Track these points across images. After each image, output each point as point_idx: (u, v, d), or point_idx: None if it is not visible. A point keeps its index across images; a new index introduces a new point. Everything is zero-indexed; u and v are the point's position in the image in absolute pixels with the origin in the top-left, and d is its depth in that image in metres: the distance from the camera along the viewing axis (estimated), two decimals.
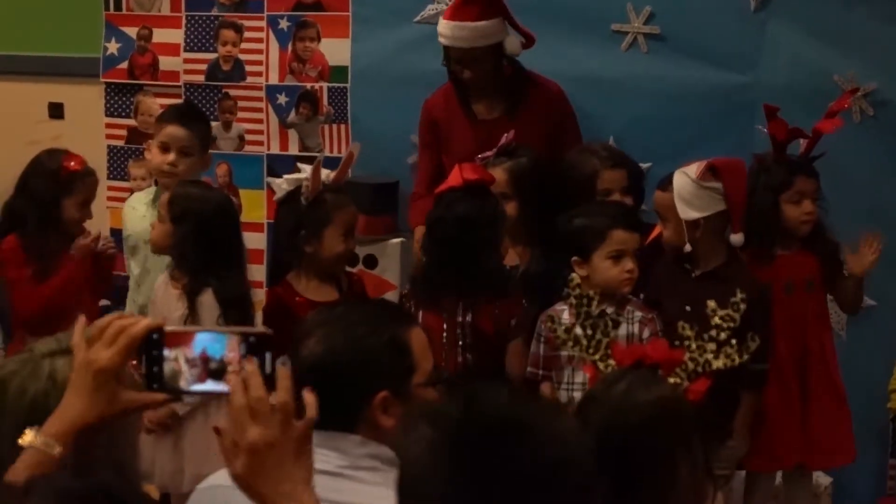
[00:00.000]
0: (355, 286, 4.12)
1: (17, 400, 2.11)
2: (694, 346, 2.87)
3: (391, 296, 4.67)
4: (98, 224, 4.77)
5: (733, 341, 2.91)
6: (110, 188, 5.61)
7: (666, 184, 3.98)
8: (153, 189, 4.69)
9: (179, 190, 4.11)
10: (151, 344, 2.01)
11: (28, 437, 1.99)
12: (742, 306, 2.92)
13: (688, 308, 3.79)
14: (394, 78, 5.00)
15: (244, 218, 5.16)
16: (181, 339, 2.02)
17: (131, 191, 5.48)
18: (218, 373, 2.00)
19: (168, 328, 2.03)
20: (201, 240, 3.95)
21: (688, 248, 3.95)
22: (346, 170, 4.11)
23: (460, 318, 3.96)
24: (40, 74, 5.82)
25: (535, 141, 4.40)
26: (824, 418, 4.12)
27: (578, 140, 4.57)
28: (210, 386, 2.01)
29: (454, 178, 4.01)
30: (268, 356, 1.99)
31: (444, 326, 3.98)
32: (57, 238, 4.43)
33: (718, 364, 2.91)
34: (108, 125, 5.69)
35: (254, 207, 5.25)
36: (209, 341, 2.02)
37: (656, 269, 4.06)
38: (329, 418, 2.21)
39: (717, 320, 2.87)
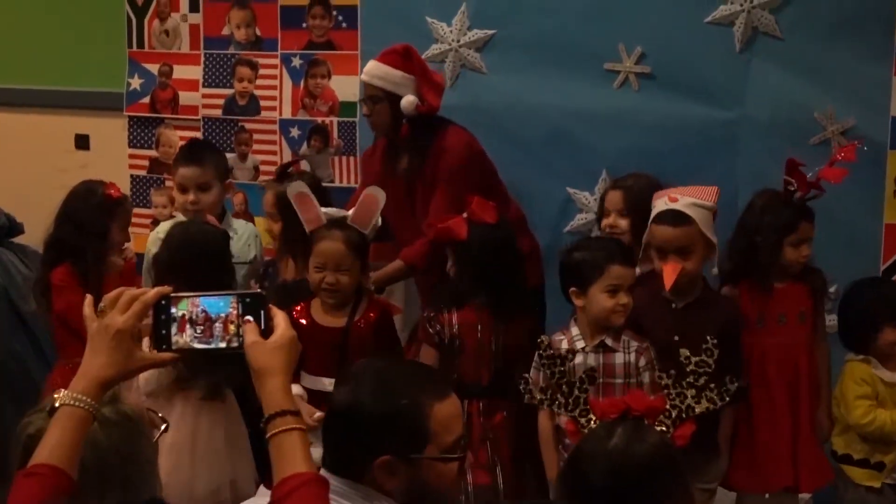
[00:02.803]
0: (368, 315, 4.21)
1: None
2: (673, 392, 3.02)
3: (398, 319, 4.85)
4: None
5: (712, 385, 3.07)
6: (134, 214, 5.71)
7: (677, 220, 3.99)
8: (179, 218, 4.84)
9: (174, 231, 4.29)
10: (160, 309, 2.25)
11: (59, 396, 2.17)
12: (715, 351, 3.06)
13: (676, 338, 3.94)
14: None
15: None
16: (188, 304, 2.26)
17: (153, 217, 5.70)
18: (219, 333, 2.24)
19: (175, 294, 2.26)
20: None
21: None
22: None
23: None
24: (68, 107, 6.02)
25: (431, 194, 4.56)
26: (814, 443, 4.23)
27: (485, 191, 4.52)
28: (213, 344, 2.26)
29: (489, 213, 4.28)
30: (262, 313, 2.25)
31: (479, 327, 4.21)
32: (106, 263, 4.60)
33: (701, 408, 3.06)
34: (132, 156, 5.88)
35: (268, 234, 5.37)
36: (212, 304, 2.26)
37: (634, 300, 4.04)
38: (341, 464, 2.41)
39: (692, 367, 3.01)
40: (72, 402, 2.16)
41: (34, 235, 5.64)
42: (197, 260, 4.12)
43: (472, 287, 4.23)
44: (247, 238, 4.93)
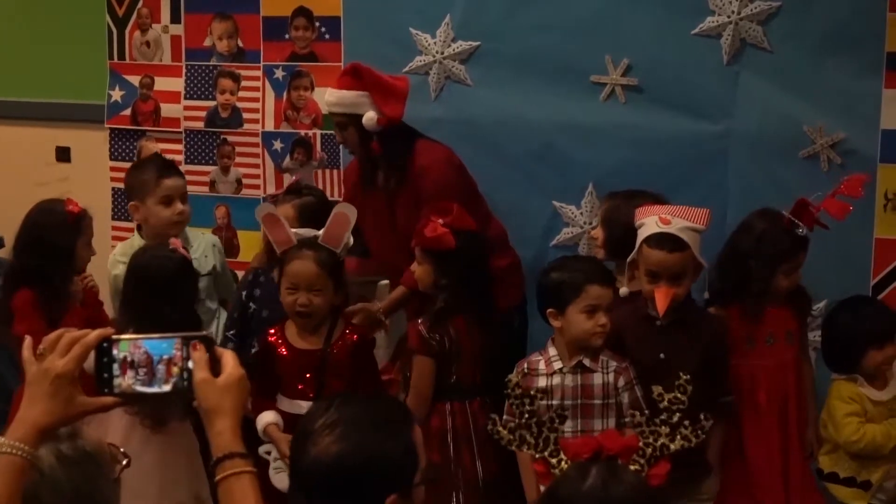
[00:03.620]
0: (345, 339, 4.18)
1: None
2: (647, 430, 2.96)
3: (380, 337, 4.81)
4: (103, 262, 4.84)
5: (686, 422, 3.01)
6: (115, 227, 5.75)
7: (673, 246, 3.92)
8: (136, 238, 4.79)
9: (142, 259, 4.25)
10: (102, 352, 2.17)
11: None
12: (688, 388, 2.99)
13: (662, 356, 3.94)
14: None
15: (241, 258, 5.37)
16: (130, 346, 2.18)
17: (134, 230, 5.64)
18: (162, 375, 2.16)
19: (117, 336, 2.18)
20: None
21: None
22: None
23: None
24: (48, 119, 5.96)
25: (415, 212, 4.48)
26: (804, 464, 4.21)
27: (467, 205, 4.45)
28: (155, 387, 2.18)
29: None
30: (206, 355, 2.18)
31: (470, 331, 4.21)
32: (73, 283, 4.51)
33: (676, 446, 3.00)
34: (113, 168, 5.81)
35: (251, 248, 5.30)
36: (155, 345, 2.18)
37: (616, 319, 4.01)
38: None
39: (665, 404, 2.95)
40: (9, 451, 2.08)
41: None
42: (150, 291, 4.08)
43: (464, 293, 4.20)
44: (203, 249, 4.86)
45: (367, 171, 4.72)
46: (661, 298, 3.91)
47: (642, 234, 3.98)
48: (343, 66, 5.12)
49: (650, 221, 3.99)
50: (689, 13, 4.76)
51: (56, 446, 2.24)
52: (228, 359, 2.19)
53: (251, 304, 4.61)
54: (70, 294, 4.47)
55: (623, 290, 4.12)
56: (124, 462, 2.39)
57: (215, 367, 2.17)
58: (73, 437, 2.30)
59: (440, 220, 4.20)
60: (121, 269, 4.45)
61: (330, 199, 5.15)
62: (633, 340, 4.03)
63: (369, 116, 4.54)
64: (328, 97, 4.68)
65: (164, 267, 4.16)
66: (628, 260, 4.04)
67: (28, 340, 2.19)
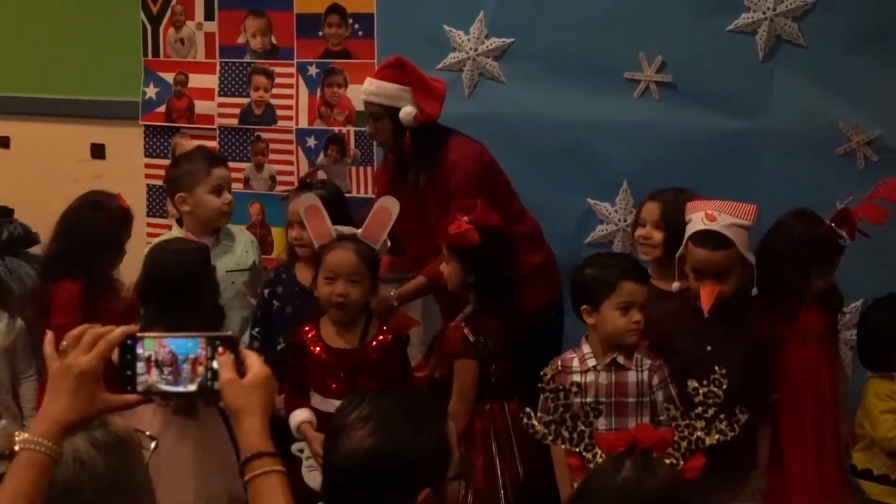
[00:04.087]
0: (380, 338, 4.19)
1: (46, 491, 2.12)
2: (682, 424, 2.95)
3: (415, 333, 4.82)
4: (137, 259, 4.76)
5: (721, 416, 2.99)
6: (149, 224, 5.78)
7: (717, 245, 3.94)
8: (177, 231, 4.82)
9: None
10: (126, 349, 2.14)
11: (20, 438, 2.07)
12: (724, 382, 2.98)
13: (708, 349, 3.92)
14: None
15: (274, 255, 5.38)
16: (154, 344, 2.16)
17: (169, 227, 5.65)
18: (187, 375, 2.15)
19: (141, 334, 2.16)
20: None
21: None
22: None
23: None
24: (84, 117, 5.99)
25: (446, 209, 4.45)
26: (838, 463, 4.19)
27: (499, 202, 4.47)
28: (180, 387, 2.16)
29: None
30: (232, 356, 2.15)
31: (502, 329, 4.19)
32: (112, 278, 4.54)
33: (711, 440, 2.98)
34: (147, 165, 5.85)
35: (284, 244, 5.25)
36: (180, 345, 2.16)
37: (658, 315, 4.04)
38: None
39: (700, 398, 2.93)
40: (32, 447, 2.06)
41: None
42: (169, 285, 4.07)
43: (491, 291, 4.18)
44: (244, 245, 4.91)
45: (399, 166, 4.71)
46: (706, 296, 3.92)
47: (689, 230, 4.00)
48: (376, 63, 5.15)
49: (697, 218, 4.00)
50: (723, 9, 4.74)
51: (90, 434, 2.24)
52: (254, 359, 2.18)
53: (274, 301, 4.63)
54: (111, 289, 4.50)
55: (675, 286, 4.11)
56: (152, 446, 2.40)
57: (240, 367, 2.16)
58: (104, 424, 2.30)
59: (465, 218, 4.19)
60: None
61: (364, 195, 5.18)
62: (680, 333, 4.02)
63: (407, 111, 4.54)
64: (367, 86, 4.65)
65: (192, 262, 4.17)
66: (677, 255, 4.05)
67: (50, 335, 2.17)
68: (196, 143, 5.67)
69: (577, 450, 2.80)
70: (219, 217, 4.74)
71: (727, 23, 4.74)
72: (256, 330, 4.61)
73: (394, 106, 4.57)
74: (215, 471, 4.08)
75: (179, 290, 4.03)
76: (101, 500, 2.24)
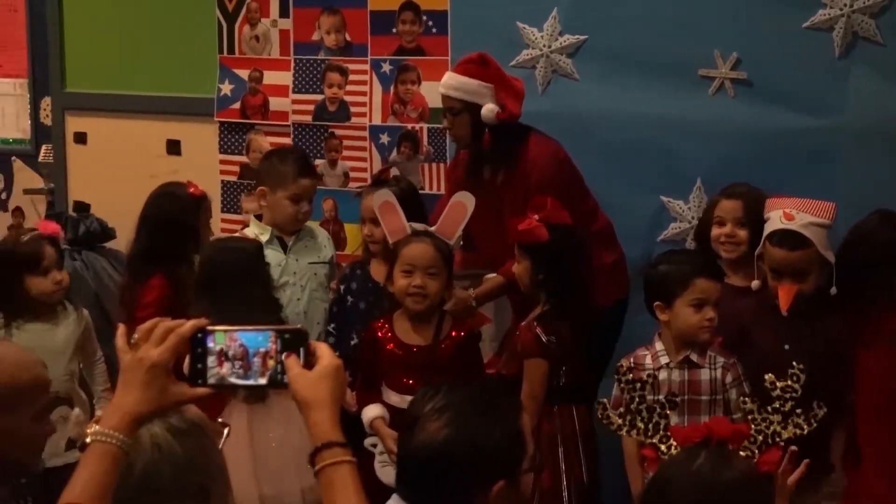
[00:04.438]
0: (454, 335, 4.20)
1: (126, 477, 2.16)
2: (759, 418, 2.93)
3: (486, 329, 4.83)
4: None
5: (798, 410, 2.98)
6: (223, 220, 5.83)
7: (795, 244, 3.93)
8: (255, 225, 4.89)
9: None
10: (196, 342, 2.15)
11: (91, 430, 2.09)
12: (801, 376, 2.96)
13: (786, 347, 3.91)
14: None
15: (347, 251, 5.41)
16: (226, 338, 2.16)
17: (244, 224, 5.70)
18: (258, 368, 2.15)
19: (211, 328, 2.16)
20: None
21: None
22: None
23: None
24: (160, 113, 6.07)
25: (522, 207, 4.42)
26: None
27: (573, 200, 4.50)
28: (251, 380, 2.16)
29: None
30: (301, 350, 2.15)
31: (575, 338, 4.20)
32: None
33: (787, 434, 2.97)
34: (222, 161, 5.90)
35: (357, 241, 5.29)
36: (250, 338, 2.16)
37: (734, 311, 4.03)
38: (443, 502, 2.33)
39: (777, 392, 2.92)
40: (103, 439, 2.08)
41: (126, 240, 5.70)
42: (221, 280, 4.16)
43: (562, 289, 4.18)
44: (321, 239, 5.01)
45: (474, 163, 4.71)
46: (785, 296, 3.90)
47: (767, 228, 3.98)
48: (450, 60, 5.17)
49: (775, 216, 3.98)
50: (800, 6, 4.69)
51: (166, 420, 2.26)
52: (324, 350, 2.17)
53: (348, 297, 4.67)
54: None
55: (754, 284, 4.10)
56: (225, 432, 2.41)
57: (309, 359, 2.15)
58: (178, 410, 2.31)
59: (535, 216, 4.18)
60: None
61: (436, 192, 5.19)
62: (758, 331, 4.00)
63: (489, 108, 4.52)
64: (447, 80, 4.64)
65: (238, 257, 4.25)
66: (756, 253, 4.03)
67: (122, 328, 2.18)
68: (269, 140, 5.74)
69: (652, 441, 2.79)
70: (290, 224, 4.83)
71: (803, 19, 4.68)
72: (332, 325, 4.64)
73: (473, 102, 4.55)
74: (283, 456, 4.12)
75: (231, 286, 4.12)
76: (180, 484, 2.26)
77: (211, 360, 2.15)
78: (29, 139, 6.62)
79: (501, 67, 4.64)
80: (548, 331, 4.12)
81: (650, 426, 2.82)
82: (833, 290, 4.03)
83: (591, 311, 4.32)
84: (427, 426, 2.34)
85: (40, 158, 6.44)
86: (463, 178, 4.73)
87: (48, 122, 6.48)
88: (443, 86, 4.66)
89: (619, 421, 2.87)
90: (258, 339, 2.16)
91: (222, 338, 2.16)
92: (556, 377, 4.16)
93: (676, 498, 2.42)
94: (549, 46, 5.07)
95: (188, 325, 2.15)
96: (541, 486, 4.04)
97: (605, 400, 3.27)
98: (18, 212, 6.62)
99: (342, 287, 4.70)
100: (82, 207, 5.88)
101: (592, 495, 4.20)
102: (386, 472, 4.03)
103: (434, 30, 5.35)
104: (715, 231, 4.33)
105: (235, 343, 2.15)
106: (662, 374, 3.85)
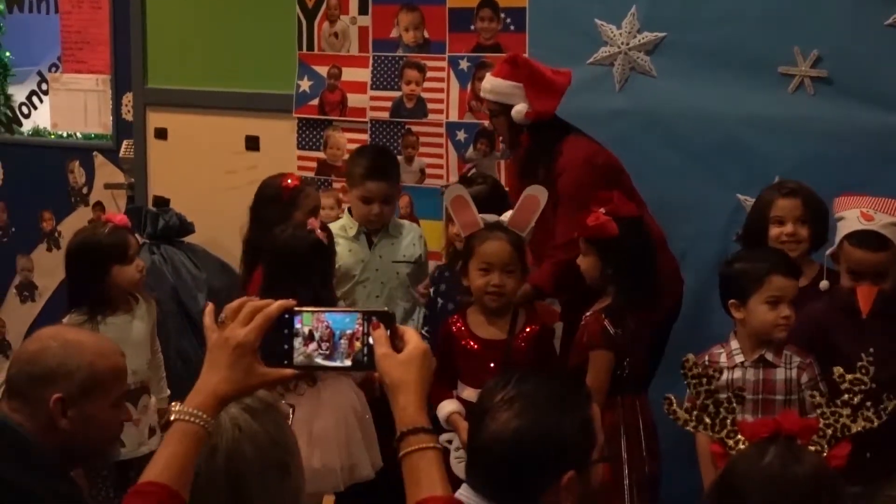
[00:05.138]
0: (528, 329, 4.18)
1: (210, 459, 2.20)
2: (827, 411, 2.90)
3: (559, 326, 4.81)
4: None
5: (868, 403, 2.94)
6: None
7: (876, 245, 3.84)
8: (346, 219, 4.95)
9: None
10: (283, 323, 2.15)
11: (175, 409, 2.10)
12: (871, 369, 2.93)
13: (871, 349, 3.79)
14: (567, 116, 4.88)
15: (430, 248, 5.43)
16: (312, 319, 2.17)
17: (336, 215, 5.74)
18: (344, 350, 2.15)
19: (299, 308, 2.16)
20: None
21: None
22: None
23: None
24: (239, 109, 6.11)
25: (552, 212, 4.41)
26: None
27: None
28: (337, 362, 2.16)
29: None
30: (389, 332, 2.15)
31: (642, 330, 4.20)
32: None
33: (857, 428, 2.92)
34: (300, 157, 5.93)
35: (433, 237, 5.34)
36: (338, 320, 2.17)
37: (811, 311, 3.98)
38: (513, 493, 2.33)
39: (846, 385, 2.88)
40: (186, 418, 2.08)
41: (205, 235, 5.79)
42: (284, 269, 4.23)
43: (631, 282, 4.15)
44: (411, 238, 5.00)
45: (519, 164, 4.73)
46: (865, 298, 3.83)
47: (843, 228, 3.91)
48: (528, 57, 5.14)
49: (851, 216, 3.91)
50: (882, 3, 4.63)
51: (241, 401, 2.26)
52: (411, 335, 2.17)
53: (439, 299, 4.68)
54: None
55: (823, 284, 4.04)
56: (290, 413, 2.43)
57: (397, 343, 2.15)
58: None
59: (601, 209, 4.17)
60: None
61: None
62: (838, 333, 3.92)
63: (518, 109, 4.56)
64: (484, 83, 4.72)
65: (297, 246, 4.27)
66: (828, 253, 3.97)
67: (210, 307, 2.19)
68: (347, 136, 5.78)
69: (720, 436, 2.76)
70: (363, 223, 4.87)
71: (885, 17, 4.63)
72: (426, 329, 4.65)
73: (507, 103, 4.60)
74: (332, 437, 4.19)
75: (287, 271, 4.19)
76: (262, 462, 2.28)
77: (298, 342, 2.15)
78: (110, 134, 6.70)
79: (535, 65, 4.65)
80: (615, 323, 4.11)
81: (717, 421, 2.80)
82: None
83: (661, 304, 4.30)
84: (498, 416, 2.35)
85: (121, 154, 6.51)
86: (517, 177, 4.75)
87: (129, 117, 6.56)
88: (481, 89, 4.73)
89: (686, 416, 2.85)
90: (345, 320, 2.17)
91: (310, 319, 2.16)
92: (620, 369, 4.15)
93: (746, 494, 2.39)
94: (628, 44, 5.05)
95: (275, 305, 2.15)
96: (603, 479, 4.02)
97: (672, 395, 3.25)
98: (99, 206, 6.71)
99: (433, 290, 4.72)
100: (162, 202, 5.96)
101: (654, 489, 4.18)
102: (462, 468, 4.02)
103: (512, 27, 5.35)
104: (774, 230, 4.24)
105: (322, 324, 2.15)
106: (737, 373, 3.81)
